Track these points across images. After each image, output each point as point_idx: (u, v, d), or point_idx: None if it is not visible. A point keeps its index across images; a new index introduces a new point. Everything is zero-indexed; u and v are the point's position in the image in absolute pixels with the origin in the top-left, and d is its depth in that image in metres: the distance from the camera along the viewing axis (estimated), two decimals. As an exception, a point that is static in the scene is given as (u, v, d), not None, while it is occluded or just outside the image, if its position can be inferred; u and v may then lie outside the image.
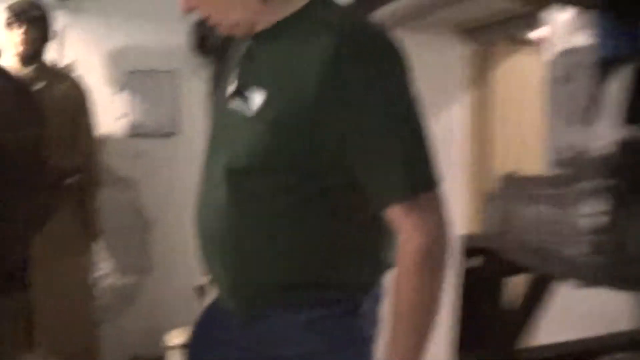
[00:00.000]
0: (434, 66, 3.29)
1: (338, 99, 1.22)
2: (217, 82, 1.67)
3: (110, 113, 3.77)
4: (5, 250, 2.14)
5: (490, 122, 3.49)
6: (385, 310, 1.39)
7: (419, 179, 1.26)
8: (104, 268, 3.79)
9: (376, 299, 1.46)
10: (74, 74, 3.46)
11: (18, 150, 2.21)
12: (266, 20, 1.32)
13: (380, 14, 3.09)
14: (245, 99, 1.31)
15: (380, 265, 1.44)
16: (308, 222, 1.33)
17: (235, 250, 1.36)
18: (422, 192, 1.25)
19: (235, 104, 1.34)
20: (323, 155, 1.27)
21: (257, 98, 1.29)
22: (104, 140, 3.66)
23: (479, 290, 2.30)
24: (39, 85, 3.10)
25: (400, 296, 1.28)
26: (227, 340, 1.47)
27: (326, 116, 1.23)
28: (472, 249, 2.25)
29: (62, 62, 3.62)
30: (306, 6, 1.32)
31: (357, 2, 3.19)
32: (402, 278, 1.27)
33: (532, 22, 2.96)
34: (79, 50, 3.75)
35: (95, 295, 3.47)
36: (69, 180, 3.14)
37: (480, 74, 3.46)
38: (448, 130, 3.35)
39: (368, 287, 1.42)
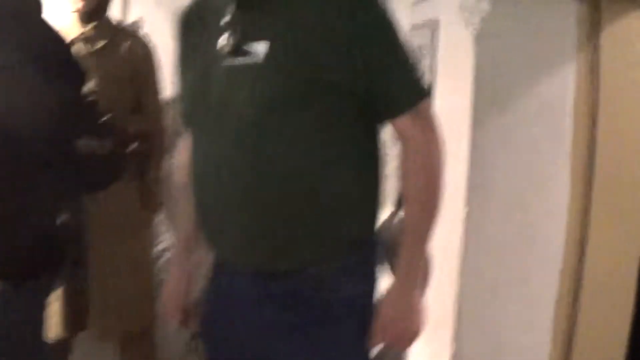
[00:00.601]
0: (542, 25, 2.93)
1: (360, 30, 1.38)
2: (187, 42, 1.61)
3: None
4: (35, 224, 1.96)
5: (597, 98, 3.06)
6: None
7: (423, 88, 1.52)
8: (166, 241, 3.54)
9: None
10: (139, 33, 3.19)
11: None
12: None
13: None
14: (246, 52, 1.39)
15: (379, 205, 1.56)
16: (338, 163, 1.44)
17: (271, 205, 1.39)
18: (426, 98, 1.50)
19: (237, 59, 1.41)
20: (347, 76, 1.40)
21: (260, 48, 1.38)
22: (172, 104, 3.39)
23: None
24: (99, 45, 2.86)
25: (421, 189, 1.47)
26: (253, 301, 1.50)
27: (347, 43, 1.38)
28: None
29: (127, 20, 3.47)
30: None
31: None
32: (420, 177, 1.47)
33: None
34: (146, 6, 3.64)
35: (155, 272, 3.25)
36: (132, 147, 2.90)
37: (588, 39, 3.02)
38: (554, 99, 2.97)
39: (375, 228, 1.56)
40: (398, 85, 1.47)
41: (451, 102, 2.96)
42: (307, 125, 1.41)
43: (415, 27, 3.42)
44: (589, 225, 3.04)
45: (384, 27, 1.45)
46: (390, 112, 1.49)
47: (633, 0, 3.07)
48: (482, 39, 2.86)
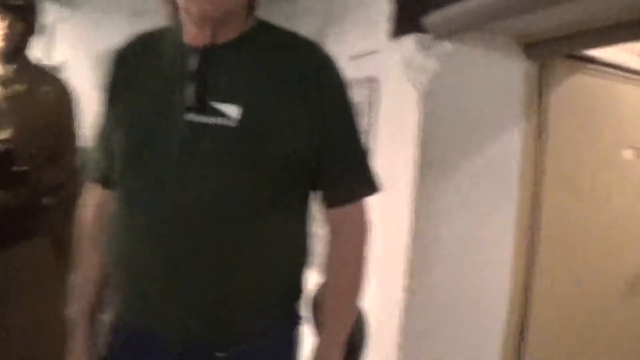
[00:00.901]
0: (491, 84, 2.92)
1: (325, 100, 1.38)
2: (123, 83, 1.50)
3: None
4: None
5: (544, 155, 3.10)
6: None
7: (376, 183, 1.51)
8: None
9: None
10: (61, 77, 2.94)
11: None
12: (226, 33, 1.40)
13: (431, 21, 2.66)
14: (216, 112, 1.35)
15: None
16: (299, 225, 1.46)
17: (227, 272, 1.35)
18: (375, 193, 1.51)
19: (205, 117, 1.36)
20: (307, 155, 1.39)
21: (232, 111, 1.35)
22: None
23: None
24: (17, 89, 2.62)
25: (344, 281, 1.49)
26: None
27: (312, 115, 1.37)
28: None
29: (49, 62, 3.23)
30: (260, 24, 1.46)
31: (402, 7, 2.79)
32: (349, 261, 1.49)
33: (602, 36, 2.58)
34: (70, 49, 3.50)
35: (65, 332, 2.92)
36: (48, 199, 2.68)
37: (536, 95, 3.06)
38: (501, 157, 2.96)
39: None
40: (353, 175, 1.49)
41: (393, 163, 2.88)
42: (268, 194, 1.38)
43: (353, 83, 3.29)
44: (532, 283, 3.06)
45: (347, 106, 1.47)
46: (336, 198, 1.49)
47: (577, 61, 3.14)
48: (429, 98, 2.79)
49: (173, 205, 1.35)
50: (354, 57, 3.28)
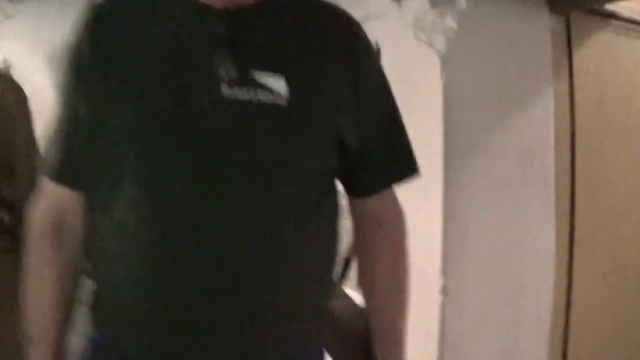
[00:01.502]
0: (515, 44, 2.65)
1: (365, 74, 1.26)
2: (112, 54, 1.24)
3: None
4: None
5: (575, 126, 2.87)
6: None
7: (416, 162, 1.38)
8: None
9: None
10: (10, 75, 2.80)
11: None
12: None
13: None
14: (260, 86, 1.17)
15: None
16: (334, 232, 1.33)
17: (272, 282, 1.20)
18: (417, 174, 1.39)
19: (248, 93, 1.17)
20: (353, 140, 1.27)
21: (279, 85, 1.18)
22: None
23: None
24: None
25: (391, 286, 1.37)
26: None
27: (355, 92, 1.24)
28: None
29: None
30: None
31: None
32: (398, 259, 1.37)
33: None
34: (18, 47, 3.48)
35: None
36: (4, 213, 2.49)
37: (565, 55, 2.82)
38: (533, 130, 2.70)
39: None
40: (395, 155, 1.36)
41: (418, 149, 2.60)
42: (318, 192, 1.26)
43: None
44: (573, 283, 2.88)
45: (384, 79, 1.33)
46: (376, 183, 1.35)
47: (600, 18, 2.93)
48: (448, 64, 2.51)
49: (206, 202, 1.18)
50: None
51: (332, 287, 1.40)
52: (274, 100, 1.18)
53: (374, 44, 1.33)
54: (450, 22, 2.45)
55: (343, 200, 1.37)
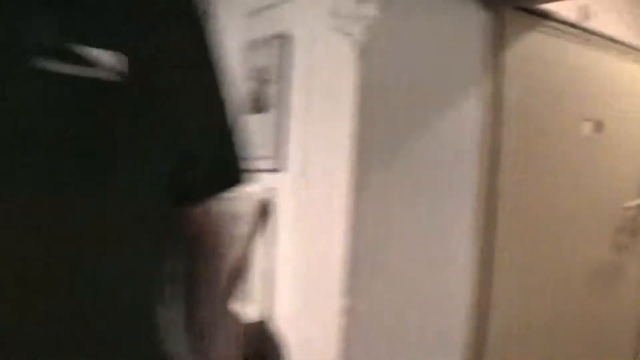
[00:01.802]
0: (442, 37, 2.47)
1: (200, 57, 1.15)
2: None
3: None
4: None
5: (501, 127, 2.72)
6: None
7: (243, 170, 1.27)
8: None
9: None
10: None
11: None
12: None
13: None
14: (82, 60, 1.03)
15: None
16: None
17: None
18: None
19: (66, 66, 1.02)
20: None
21: (109, 58, 1.05)
22: None
23: None
24: None
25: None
26: None
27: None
28: None
29: None
30: None
31: None
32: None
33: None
34: None
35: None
36: None
37: (493, 54, 2.66)
38: (456, 130, 2.54)
39: None
40: (221, 158, 1.23)
41: (318, 145, 2.47)
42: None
43: (254, 45, 2.93)
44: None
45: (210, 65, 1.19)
46: (199, 192, 1.23)
47: (533, 17, 2.82)
48: (366, 56, 2.27)
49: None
50: (255, 12, 2.92)
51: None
52: (99, 75, 1.05)
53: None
54: (371, 10, 2.22)
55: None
